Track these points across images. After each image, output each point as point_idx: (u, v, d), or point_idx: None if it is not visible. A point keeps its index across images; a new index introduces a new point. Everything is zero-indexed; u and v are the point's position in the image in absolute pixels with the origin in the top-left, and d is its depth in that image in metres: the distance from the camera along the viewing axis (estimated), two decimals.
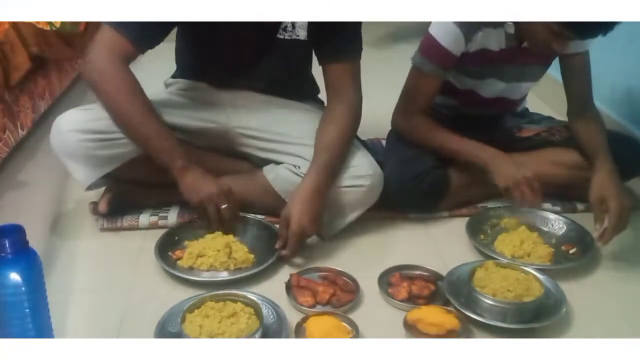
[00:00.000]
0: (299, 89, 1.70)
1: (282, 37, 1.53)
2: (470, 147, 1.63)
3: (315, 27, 1.53)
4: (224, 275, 1.42)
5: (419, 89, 1.66)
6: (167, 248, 1.49)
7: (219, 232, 1.49)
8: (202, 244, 1.46)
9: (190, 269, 1.44)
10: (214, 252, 1.43)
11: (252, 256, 1.47)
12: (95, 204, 1.64)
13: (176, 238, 1.53)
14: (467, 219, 1.64)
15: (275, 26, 1.53)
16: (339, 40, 1.55)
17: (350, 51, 1.57)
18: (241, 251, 1.46)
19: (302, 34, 1.54)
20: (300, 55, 1.61)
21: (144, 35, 1.43)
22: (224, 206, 1.45)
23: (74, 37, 2.27)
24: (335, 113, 1.55)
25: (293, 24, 1.52)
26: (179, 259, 1.46)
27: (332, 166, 1.49)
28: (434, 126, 1.67)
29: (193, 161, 1.46)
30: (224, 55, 1.58)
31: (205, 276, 1.42)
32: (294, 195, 1.46)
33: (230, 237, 1.49)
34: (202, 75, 1.67)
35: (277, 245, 1.46)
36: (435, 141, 1.66)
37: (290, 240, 1.43)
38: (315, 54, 1.62)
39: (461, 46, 1.57)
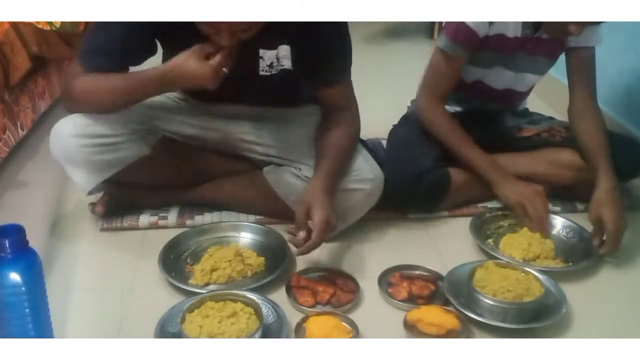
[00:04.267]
0: (295, 98, 1.66)
1: (269, 73, 1.48)
2: (481, 162, 1.65)
3: (298, 58, 1.47)
4: (247, 283, 1.39)
5: (445, 72, 1.67)
6: (175, 269, 1.43)
7: (221, 245, 1.48)
8: (210, 259, 1.42)
9: (207, 285, 1.38)
10: (226, 262, 1.40)
11: (262, 259, 1.46)
12: (94, 205, 1.65)
13: (172, 256, 1.46)
14: (467, 218, 1.64)
15: (256, 66, 1.47)
16: (325, 68, 1.49)
17: (339, 74, 1.52)
18: (253, 256, 1.45)
19: (287, 64, 1.48)
20: (290, 81, 1.54)
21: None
22: None
23: (74, 37, 2.26)
24: (332, 122, 1.52)
25: (277, 57, 1.46)
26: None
27: (337, 171, 1.47)
28: (455, 125, 1.69)
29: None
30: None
31: (226, 287, 1.37)
32: (307, 191, 1.41)
33: (237, 246, 1.48)
34: (193, 93, 1.64)
35: (297, 235, 1.36)
36: (451, 141, 1.68)
37: (316, 228, 1.32)
38: (305, 82, 1.56)
39: (485, 27, 1.59)
